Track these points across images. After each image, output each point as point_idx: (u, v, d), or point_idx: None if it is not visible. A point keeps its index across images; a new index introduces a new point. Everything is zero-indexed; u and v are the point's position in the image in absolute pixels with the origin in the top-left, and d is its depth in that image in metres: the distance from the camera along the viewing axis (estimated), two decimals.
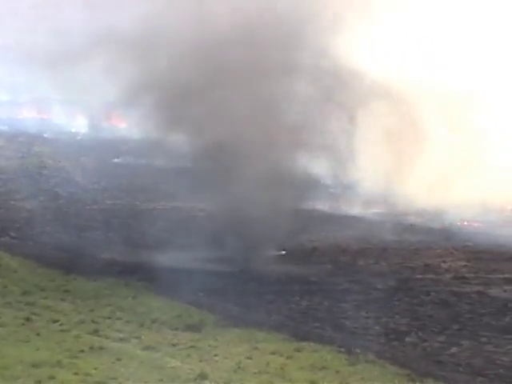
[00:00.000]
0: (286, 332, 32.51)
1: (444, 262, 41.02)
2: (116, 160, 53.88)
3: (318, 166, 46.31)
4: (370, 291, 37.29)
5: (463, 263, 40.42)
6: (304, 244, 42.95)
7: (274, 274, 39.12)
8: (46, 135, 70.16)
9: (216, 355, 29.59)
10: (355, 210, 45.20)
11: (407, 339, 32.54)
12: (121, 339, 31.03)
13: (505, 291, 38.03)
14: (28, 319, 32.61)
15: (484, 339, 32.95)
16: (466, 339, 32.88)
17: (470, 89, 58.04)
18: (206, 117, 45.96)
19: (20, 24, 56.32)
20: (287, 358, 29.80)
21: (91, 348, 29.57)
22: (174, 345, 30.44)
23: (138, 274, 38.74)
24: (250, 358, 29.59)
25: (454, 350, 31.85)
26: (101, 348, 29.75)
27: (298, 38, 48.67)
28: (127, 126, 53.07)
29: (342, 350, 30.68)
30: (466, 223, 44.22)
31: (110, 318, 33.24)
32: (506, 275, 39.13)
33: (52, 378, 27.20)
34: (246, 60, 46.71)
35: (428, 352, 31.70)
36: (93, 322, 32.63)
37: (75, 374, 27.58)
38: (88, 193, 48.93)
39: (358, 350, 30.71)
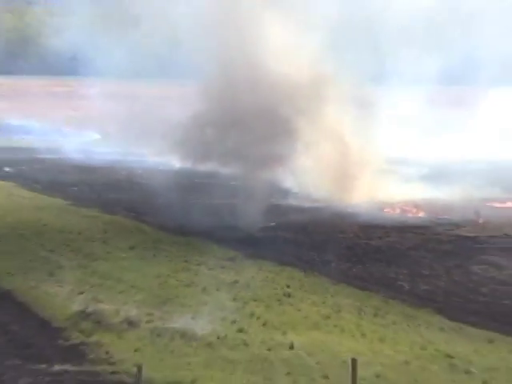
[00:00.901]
0: (277, 262, 32.14)
1: (350, 228, 38.91)
2: (196, 180, 52.31)
3: (290, 182, 45.81)
4: (315, 243, 35.74)
5: (358, 230, 38.74)
6: (286, 220, 40.12)
7: (272, 235, 37.13)
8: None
9: (243, 273, 30.11)
10: (308, 203, 43.88)
11: (333, 265, 31.97)
12: (198, 264, 31.45)
13: (379, 242, 36.10)
14: (155, 255, 32.78)
15: (369, 265, 32.19)
16: (360, 264, 32.23)
17: None
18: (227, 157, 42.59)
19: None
20: (275, 274, 30.33)
21: (183, 269, 30.66)
22: (222, 267, 30.97)
23: (206, 234, 36.68)
24: (259, 273, 30.17)
25: (354, 270, 31.52)
26: (188, 269, 30.72)
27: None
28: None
29: (303, 270, 31.02)
30: (360, 209, 42.55)
31: (193, 254, 32.97)
32: (380, 235, 37.50)
33: (165, 282, 28.73)
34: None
35: (342, 271, 31.40)
36: (184, 256, 32.67)
37: (177, 280, 29.09)
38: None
39: (311, 271, 31.06)
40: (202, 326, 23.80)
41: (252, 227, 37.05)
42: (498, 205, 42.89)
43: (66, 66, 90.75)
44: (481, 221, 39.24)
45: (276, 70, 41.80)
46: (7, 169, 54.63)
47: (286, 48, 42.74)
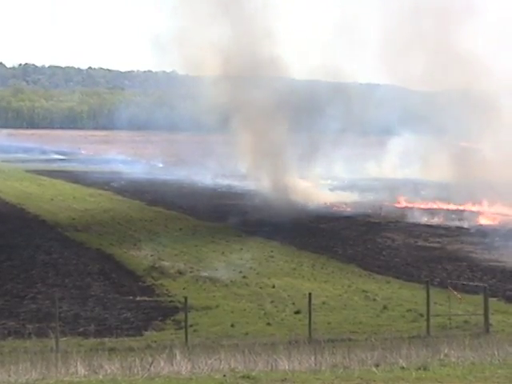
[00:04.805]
0: (265, 238, 30.05)
1: (309, 218, 35.92)
2: (218, 190, 45.96)
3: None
4: (288, 227, 32.06)
5: (313, 219, 35.79)
6: (275, 213, 34.73)
7: (266, 224, 32.88)
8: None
9: (246, 244, 28.47)
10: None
11: (297, 239, 29.75)
12: (219, 239, 30.12)
13: (324, 226, 33.88)
14: (193, 234, 31.29)
15: (318, 238, 30.25)
16: (313, 238, 30.23)
17: None
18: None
19: None
20: (264, 244, 28.85)
21: (210, 242, 29.05)
22: (234, 241, 29.43)
23: (224, 222, 33.88)
24: (255, 244, 28.66)
25: (310, 241, 29.41)
26: (213, 242, 29.17)
27: None
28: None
29: (280, 242, 28.89)
30: (315, 208, 39.19)
31: (216, 233, 31.03)
32: (325, 221, 35.46)
33: (200, 249, 27.40)
34: None
35: (303, 242, 29.09)
36: (211, 235, 31.06)
37: (207, 248, 27.83)
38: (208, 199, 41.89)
39: (285, 242, 28.72)
40: (221, 274, 23.17)
41: (273, 218, 34.06)
42: (391, 204, 41.32)
43: (139, 124, 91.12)
44: (382, 213, 38.39)
45: None
46: (113, 184, 52.84)
47: None
